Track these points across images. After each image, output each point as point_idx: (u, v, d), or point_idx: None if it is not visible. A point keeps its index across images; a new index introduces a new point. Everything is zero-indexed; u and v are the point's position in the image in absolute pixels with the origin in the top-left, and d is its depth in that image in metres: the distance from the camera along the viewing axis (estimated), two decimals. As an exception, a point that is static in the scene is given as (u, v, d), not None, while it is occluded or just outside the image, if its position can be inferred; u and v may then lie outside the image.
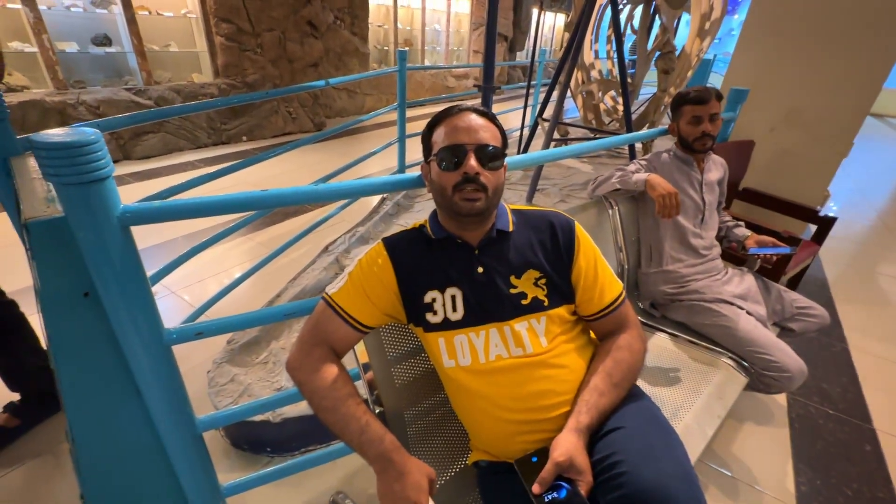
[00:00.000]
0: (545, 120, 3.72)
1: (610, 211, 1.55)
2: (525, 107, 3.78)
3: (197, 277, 2.41)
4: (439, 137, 0.79)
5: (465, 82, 8.73)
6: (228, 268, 2.56)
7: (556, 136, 4.25)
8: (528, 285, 0.80)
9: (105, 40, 4.00)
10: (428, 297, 0.80)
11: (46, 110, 3.54)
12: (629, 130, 3.06)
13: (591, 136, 4.46)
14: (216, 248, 2.19)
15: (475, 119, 0.78)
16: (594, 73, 4.78)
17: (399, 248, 0.83)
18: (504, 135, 0.81)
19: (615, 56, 5.29)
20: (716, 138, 1.49)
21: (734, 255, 1.80)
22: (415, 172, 0.94)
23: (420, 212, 2.99)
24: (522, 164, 1.10)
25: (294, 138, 5.31)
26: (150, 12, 4.11)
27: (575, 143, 4.78)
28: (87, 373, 0.79)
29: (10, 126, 0.91)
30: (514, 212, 0.87)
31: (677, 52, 3.71)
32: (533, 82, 4.22)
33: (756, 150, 2.31)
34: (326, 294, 0.81)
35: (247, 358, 1.58)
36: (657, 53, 3.68)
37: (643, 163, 1.55)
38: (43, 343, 1.44)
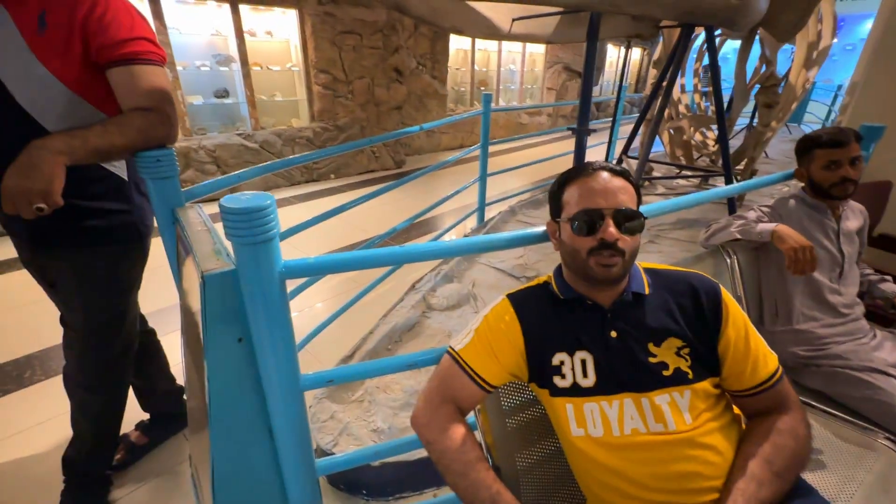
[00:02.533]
0: (630, 157, 3.61)
1: (728, 260, 1.42)
2: (610, 142, 3.69)
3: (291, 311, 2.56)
4: (572, 198, 0.77)
5: (537, 119, 8.80)
6: (318, 301, 2.70)
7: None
8: (669, 355, 0.74)
9: (224, 93, 4.58)
10: (556, 360, 0.77)
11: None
12: (727, 171, 2.86)
13: (678, 171, 4.23)
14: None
15: (612, 180, 0.75)
16: (681, 108, 4.59)
17: (526, 305, 0.81)
18: (639, 193, 0.78)
19: (703, 88, 5.05)
20: (856, 183, 1.34)
21: (881, 315, 1.56)
22: (537, 229, 0.92)
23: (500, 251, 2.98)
24: (656, 214, 1.05)
25: (377, 175, 5.62)
26: (261, 67, 4.66)
27: (660, 180, 4.56)
28: (233, 409, 0.84)
29: (178, 181, 1.05)
30: (648, 271, 0.82)
31: (781, 86, 3.45)
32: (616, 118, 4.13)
33: (894, 192, 2.04)
34: (453, 350, 0.81)
35: (344, 395, 1.62)
36: (756, 86, 3.46)
37: (766, 209, 1.43)
38: (171, 369, 1.60)
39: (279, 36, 4.81)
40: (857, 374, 1.23)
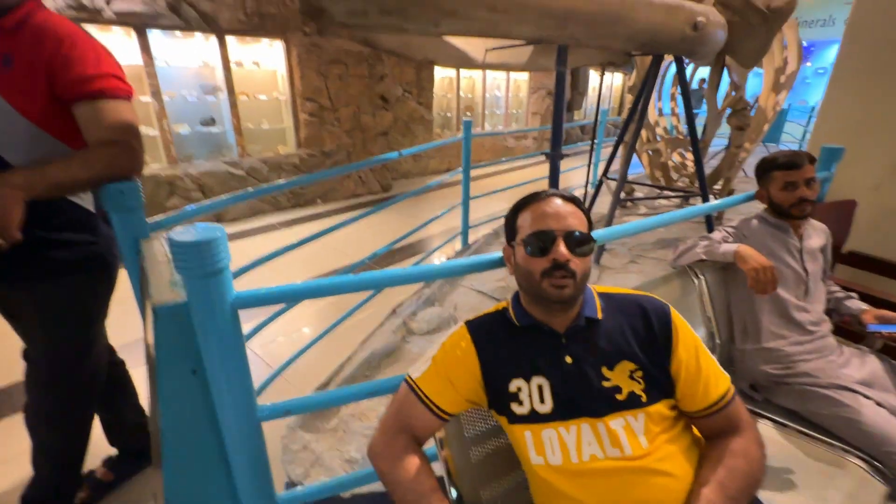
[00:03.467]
0: (610, 179, 3.69)
1: (696, 280, 1.45)
2: (589, 165, 3.77)
3: (270, 336, 2.53)
4: (525, 222, 0.79)
5: (524, 142, 8.97)
6: (300, 327, 2.67)
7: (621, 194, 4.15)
8: (622, 378, 0.75)
9: (210, 121, 4.63)
10: (513, 386, 0.77)
11: (159, 182, 4.09)
12: (703, 191, 2.93)
13: (658, 192, 4.32)
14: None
15: (562, 205, 0.77)
16: (659, 131, 4.72)
17: (482, 332, 0.82)
18: (590, 219, 0.80)
19: (680, 112, 5.21)
20: (814, 202, 1.38)
21: (850, 332, 1.58)
22: (494, 253, 0.95)
23: (484, 273, 2.99)
24: (610, 238, 1.07)
25: (363, 200, 5.66)
26: (248, 97, 4.74)
27: (642, 201, 4.64)
28: (188, 443, 0.83)
29: (143, 213, 1.05)
30: (602, 295, 0.84)
31: (752, 110, 3.58)
32: (596, 141, 4.24)
33: (860, 211, 2.09)
34: (410, 378, 0.81)
35: (318, 423, 1.59)
36: (728, 110, 3.58)
37: (730, 230, 1.46)
38: (142, 401, 1.56)
39: (266, 66, 4.90)
40: (826, 391, 1.24)
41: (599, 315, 0.80)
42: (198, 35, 4.27)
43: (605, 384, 0.74)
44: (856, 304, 1.44)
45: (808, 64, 11.90)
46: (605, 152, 5.12)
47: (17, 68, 0.94)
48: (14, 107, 0.94)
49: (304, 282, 0.75)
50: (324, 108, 5.13)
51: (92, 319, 1.21)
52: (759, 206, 1.50)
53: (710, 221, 3.08)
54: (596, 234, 1.02)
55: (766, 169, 1.41)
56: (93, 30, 3.56)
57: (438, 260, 3.64)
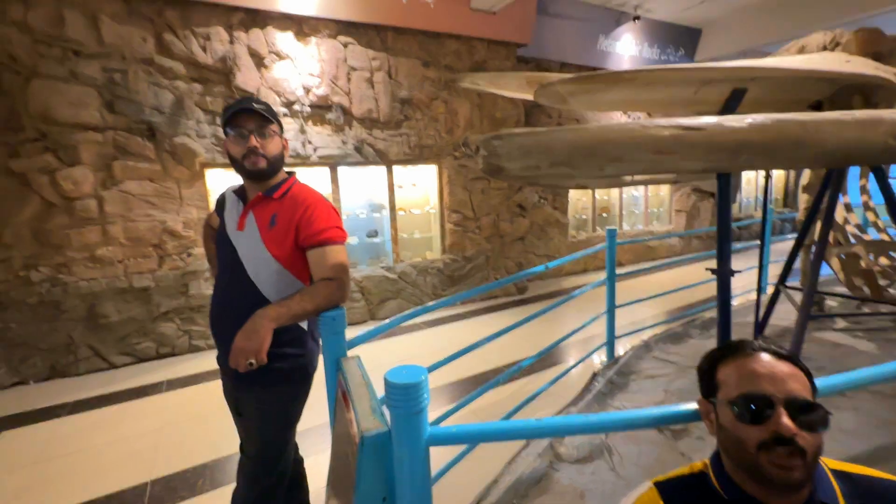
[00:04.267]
0: (789, 288, 3.16)
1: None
2: (760, 267, 3.31)
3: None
4: (730, 379, 0.72)
5: (667, 241, 8.38)
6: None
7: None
8: None
9: (374, 233, 5.44)
10: None
11: (331, 285, 4.85)
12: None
13: (860, 304, 3.51)
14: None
15: (778, 365, 0.68)
16: (850, 229, 3.99)
17: (677, 499, 0.73)
18: (813, 382, 0.70)
19: (876, 206, 4.37)
20: None
21: None
22: (687, 406, 0.85)
23: (637, 392, 2.70)
24: (839, 390, 0.91)
25: (500, 302, 5.78)
26: (405, 212, 5.51)
27: (839, 319, 3.83)
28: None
29: (344, 336, 1.26)
30: (838, 475, 0.69)
31: None
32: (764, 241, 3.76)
33: None
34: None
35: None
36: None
37: None
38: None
39: (421, 186, 5.71)
40: None
41: (841, 502, 0.65)
42: (370, 166, 5.26)
43: None
44: None
45: None
46: (774, 250, 4.46)
47: (278, 226, 1.30)
48: (272, 255, 1.28)
49: (496, 422, 0.79)
50: (467, 217, 5.65)
51: (291, 422, 1.42)
52: None
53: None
54: (824, 384, 0.85)
55: None
56: (301, 169, 4.67)
57: (583, 375, 3.42)
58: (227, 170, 4.34)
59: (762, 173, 9.80)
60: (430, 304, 1.75)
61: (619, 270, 3.25)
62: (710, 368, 0.76)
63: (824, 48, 2.40)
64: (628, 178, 2.17)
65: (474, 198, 5.66)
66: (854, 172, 4.46)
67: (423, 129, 5.23)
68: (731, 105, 1.78)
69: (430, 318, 5.14)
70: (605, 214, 8.09)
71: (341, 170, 4.98)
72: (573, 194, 7.44)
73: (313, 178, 4.80)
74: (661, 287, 4.17)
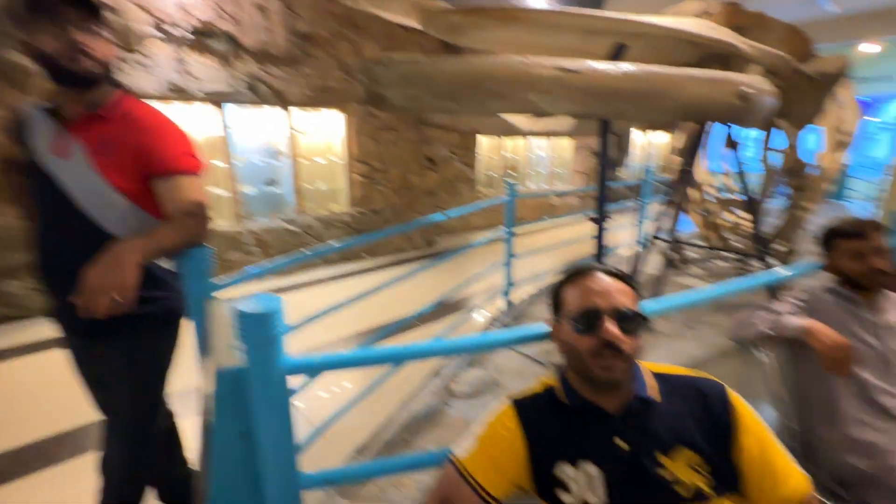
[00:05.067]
0: (660, 239, 3.59)
1: (762, 356, 1.34)
2: (637, 224, 3.70)
3: (312, 392, 2.55)
4: (571, 298, 0.79)
5: (568, 199, 9.00)
6: (341, 380, 2.68)
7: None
8: (682, 469, 0.69)
9: (271, 181, 5.04)
10: (560, 471, 0.73)
11: (225, 239, 4.44)
12: (761, 252, 2.78)
13: (708, 250, 4.12)
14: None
15: (608, 281, 0.77)
16: (711, 191, 4.60)
17: (530, 412, 0.79)
18: (639, 293, 0.79)
19: (731, 170, 5.08)
20: (889, 273, 1.27)
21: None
22: (540, 326, 0.93)
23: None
24: (662, 310, 1.04)
25: (408, 255, 5.81)
26: (308, 161, 5.15)
27: (694, 266, 4.45)
28: (231, 507, 0.84)
29: (209, 276, 1.15)
30: (656, 376, 0.80)
31: (810, 168, 3.43)
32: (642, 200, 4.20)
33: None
34: (454, 457, 0.79)
35: (355, 490, 1.56)
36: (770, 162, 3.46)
37: (799, 302, 1.36)
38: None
39: (325, 132, 5.36)
40: (928, 494, 1.07)
41: (657, 397, 0.76)
42: (266, 107, 4.78)
43: (663, 473, 0.69)
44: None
45: (878, 119, 11.32)
46: (651, 211, 5.01)
47: (116, 152, 1.09)
48: (116, 187, 1.09)
49: (352, 351, 0.78)
50: (375, 169, 5.47)
51: (166, 369, 1.29)
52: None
53: (773, 288, 2.88)
54: (647, 306, 0.99)
55: (829, 237, 1.33)
56: (182, 106, 4.09)
57: (482, 317, 3.61)
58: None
59: (649, 140, 10.81)
60: (319, 247, 1.66)
61: (521, 227, 3.39)
62: (557, 289, 0.83)
63: (697, 16, 2.63)
64: (522, 127, 2.23)
65: (383, 149, 5.47)
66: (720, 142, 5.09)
67: (327, 71, 4.84)
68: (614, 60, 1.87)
69: (337, 273, 5.01)
70: (512, 172, 8.37)
71: (233, 109, 4.46)
72: (482, 151, 7.55)
73: (198, 117, 4.24)
74: (555, 241, 4.48)
